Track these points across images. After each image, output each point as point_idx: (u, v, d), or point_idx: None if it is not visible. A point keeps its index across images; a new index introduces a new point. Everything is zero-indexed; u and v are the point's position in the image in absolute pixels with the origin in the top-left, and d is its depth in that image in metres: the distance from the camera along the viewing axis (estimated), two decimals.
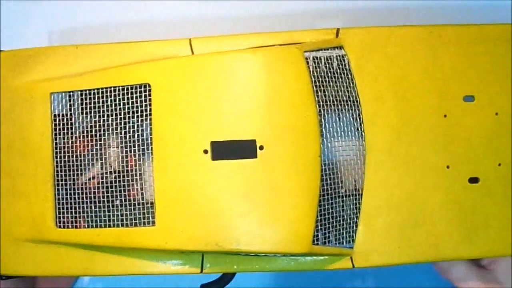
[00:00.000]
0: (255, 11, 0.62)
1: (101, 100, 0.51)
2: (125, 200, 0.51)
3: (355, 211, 0.51)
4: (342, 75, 0.51)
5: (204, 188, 0.48)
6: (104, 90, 0.51)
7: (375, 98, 0.51)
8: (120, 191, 0.50)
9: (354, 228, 0.51)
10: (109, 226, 0.50)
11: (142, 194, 0.50)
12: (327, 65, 0.51)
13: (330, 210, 0.50)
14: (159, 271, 0.52)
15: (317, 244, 0.49)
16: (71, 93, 0.52)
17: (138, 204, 0.50)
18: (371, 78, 0.51)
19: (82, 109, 0.52)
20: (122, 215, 0.50)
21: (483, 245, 0.51)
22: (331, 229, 0.50)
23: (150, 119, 0.49)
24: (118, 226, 0.50)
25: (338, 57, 0.51)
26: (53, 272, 0.53)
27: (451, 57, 0.52)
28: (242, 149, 0.48)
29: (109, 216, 0.50)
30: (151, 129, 0.49)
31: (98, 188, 0.51)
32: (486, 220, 0.51)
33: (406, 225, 0.51)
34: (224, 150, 0.48)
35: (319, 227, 0.49)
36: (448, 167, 0.51)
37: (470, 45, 0.52)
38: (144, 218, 0.50)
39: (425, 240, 0.51)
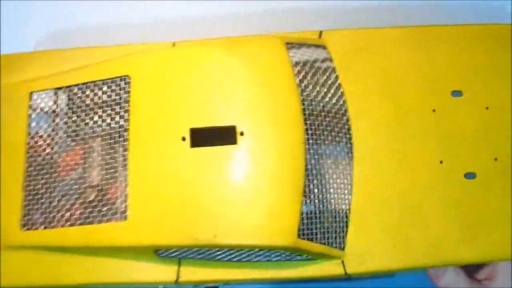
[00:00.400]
0: (242, 13, 0.63)
1: (82, 96, 0.50)
2: (97, 196, 0.47)
3: (344, 211, 0.47)
4: (326, 74, 0.50)
5: (181, 177, 0.45)
6: (85, 85, 0.50)
7: (360, 95, 0.50)
8: (92, 186, 0.47)
9: (345, 229, 0.47)
10: (78, 224, 0.47)
11: (115, 187, 0.47)
12: (311, 65, 0.50)
13: (317, 205, 0.46)
14: (132, 279, 0.48)
15: (304, 239, 0.45)
16: (53, 91, 0.51)
17: (110, 198, 0.47)
18: (355, 77, 0.51)
19: (61, 107, 0.51)
20: (91, 211, 0.46)
21: (485, 246, 0.47)
22: (318, 224, 0.46)
23: (128, 110, 0.48)
24: (87, 223, 0.46)
25: (322, 58, 0.51)
26: (18, 283, 0.48)
27: (436, 55, 0.52)
28: (222, 136, 0.46)
29: (79, 213, 0.47)
30: (128, 120, 0.48)
31: (68, 184, 0.48)
32: (487, 218, 0.47)
33: (401, 225, 0.47)
34: (203, 137, 0.46)
35: (305, 221, 0.45)
36: (441, 162, 0.48)
37: (455, 44, 0.52)
38: (115, 212, 0.46)
39: (424, 241, 0.47)
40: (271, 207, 0.44)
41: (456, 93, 0.51)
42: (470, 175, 0.48)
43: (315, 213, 0.46)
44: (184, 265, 0.48)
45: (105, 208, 0.46)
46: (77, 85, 0.50)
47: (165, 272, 0.48)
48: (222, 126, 0.46)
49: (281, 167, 0.45)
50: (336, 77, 0.50)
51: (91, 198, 0.47)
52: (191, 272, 0.48)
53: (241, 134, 0.46)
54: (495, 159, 0.49)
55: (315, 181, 0.47)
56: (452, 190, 0.48)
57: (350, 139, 0.49)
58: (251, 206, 0.44)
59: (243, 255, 0.46)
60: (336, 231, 0.47)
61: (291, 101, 0.47)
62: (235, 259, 0.47)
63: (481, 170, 0.48)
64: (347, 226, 0.47)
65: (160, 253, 0.47)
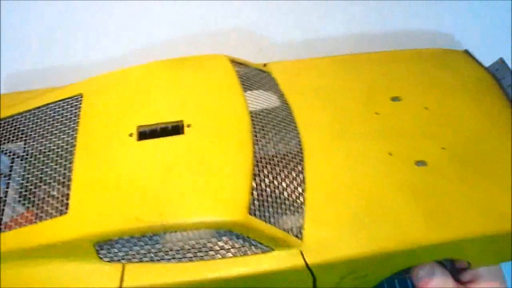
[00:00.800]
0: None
1: (32, 121, 0.51)
2: (34, 196, 0.45)
3: (299, 202, 0.46)
4: (269, 84, 0.54)
5: (127, 167, 0.44)
6: (36, 110, 0.51)
7: (304, 107, 0.52)
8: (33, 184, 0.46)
9: (301, 219, 0.45)
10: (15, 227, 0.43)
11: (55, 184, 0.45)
12: (255, 77, 0.54)
13: (270, 193, 0.45)
14: (72, 286, 0.42)
15: (257, 217, 0.42)
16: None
17: (50, 195, 0.45)
18: (298, 95, 0.54)
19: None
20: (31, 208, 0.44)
21: (450, 226, 0.45)
22: (272, 209, 0.44)
23: (79, 120, 0.49)
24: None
25: (266, 76, 0.55)
26: None
27: (368, 74, 0.56)
28: (169, 129, 0.47)
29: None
30: (77, 128, 0.48)
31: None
32: (447, 200, 0.46)
33: (359, 213, 0.45)
34: (151, 132, 0.47)
35: (258, 204, 0.43)
36: (390, 154, 0.49)
37: (388, 64, 0.57)
38: (55, 208, 0.43)
39: (385, 226, 0.45)
40: (220, 184, 0.43)
41: (395, 99, 0.53)
42: (421, 163, 0.48)
43: (269, 200, 0.44)
44: (128, 269, 0.43)
45: (46, 206, 0.44)
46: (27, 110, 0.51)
47: (107, 277, 0.43)
48: (169, 121, 0.47)
49: (229, 150, 0.45)
50: (280, 90, 0.53)
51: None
52: (136, 277, 0.43)
53: (188, 126, 0.46)
54: (443, 148, 0.49)
55: (265, 171, 0.46)
56: (406, 177, 0.47)
57: (298, 137, 0.49)
58: (199, 184, 0.43)
59: (194, 251, 0.43)
60: (292, 220, 0.45)
61: (235, 95, 0.49)
62: (185, 259, 0.43)
63: (431, 158, 0.49)
64: (303, 217, 0.45)
65: (102, 253, 0.43)
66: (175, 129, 0.47)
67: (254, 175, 0.44)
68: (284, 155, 0.48)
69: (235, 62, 0.53)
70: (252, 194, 0.43)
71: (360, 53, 0.58)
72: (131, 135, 0.46)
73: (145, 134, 0.47)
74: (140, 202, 0.42)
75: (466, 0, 0.65)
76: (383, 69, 0.56)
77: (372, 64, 0.57)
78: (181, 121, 0.47)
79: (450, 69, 0.57)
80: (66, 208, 0.43)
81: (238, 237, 0.43)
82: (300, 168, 0.48)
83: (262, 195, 0.44)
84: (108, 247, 0.42)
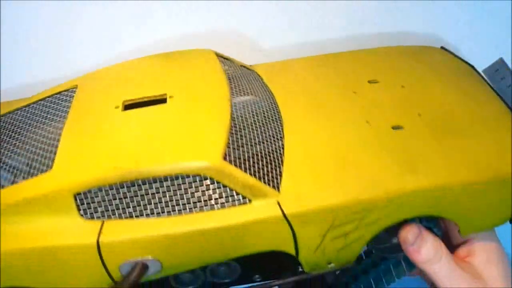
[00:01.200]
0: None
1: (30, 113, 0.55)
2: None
3: (277, 160, 0.47)
4: (252, 76, 0.57)
5: (109, 130, 0.47)
6: (34, 103, 0.55)
7: (286, 92, 0.55)
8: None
9: (278, 172, 0.46)
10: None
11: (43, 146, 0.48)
12: (239, 69, 0.57)
13: (247, 146, 0.46)
14: (50, 243, 0.43)
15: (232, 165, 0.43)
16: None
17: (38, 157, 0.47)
18: (281, 84, 0.56)
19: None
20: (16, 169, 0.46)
21: (427, 174, 0.45)
22: (248, 159, 0.45)
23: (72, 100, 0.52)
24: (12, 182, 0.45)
25: (248, 70, 0.58)
26: None
27: (349, 65, 0.59)
28: (153, 101, 0.49)
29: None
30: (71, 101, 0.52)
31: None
32: (422, 154, 0.47)
33: (335, 168, 0.46)
34: (136, 105, 0.49)
35: (236, 153, 0.45)
36: (368, 122, 0.50)
37: (366, 57, 0.60)
38: (40, 165, 0.45)
39: (361, 179, 0.45)
40: (197, 136, 0.45)
41: (373, 81, 0.56)
42: (397, 127, 0.50)
43: (245, 154, 0.45)
44: (107, 225, 0.44)
45: (33, 167, 0.46)
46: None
47: (86, 232, 0.43)
48: (153, 95, 0.50)
49: (208, 111, 0.47)
50: (263, 80, 0.56)
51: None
52: (114, 232, 0.44)
53: (171, 97, 0.49)
54: (419, 114, 0.51)
55: (243, 130, 0.47)
56: (381, 138, 0.48)
57: (277, 107, 0.52)
58: (176, 137, 0.45)
59: (171, 205, 0.43)
60: (269, 173, 0.45)
61: (218, 77, 0.52)
62: (163, 213, 0.44)
63: (407, 123, 0.50)
64: (281, 172, 0.46)
65: (82, 209, 0.44)
66: (159, 101, 0.50)
67: (232, 132, 0.46)
68: (263, 117, 0.50)
69: (220, 56, 0.57)
70: (229, 147, 0.45)
71: (341, 52, 0.62)
72: (117, 107, 0.49)
73: (131, 106, 0.49)
74: (118, 153, 0.44)
75: (466, 0, 0.66)
76: (361, 61, 0.59)
77: (352, 59, 0.60)
78: (165, 94, 0.50)
79: (426, 58, 0.60)
80: (51, 167, 0.45)
81: (215, 188, 0.43)
82: (279, 129, 0.50)
83: (239, 148, 0.45)
84: (89, 202, 0.44)
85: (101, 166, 0.43)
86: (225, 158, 0.43)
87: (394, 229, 0.48)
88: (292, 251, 0.46)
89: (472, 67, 0.59)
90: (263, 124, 0.49)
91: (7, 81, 0.61)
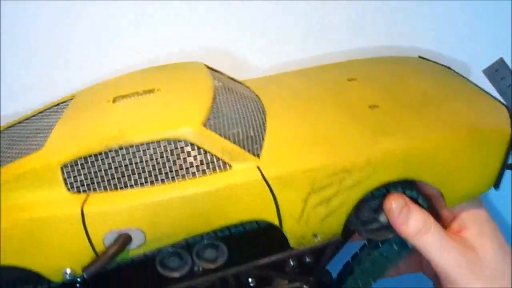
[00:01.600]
0: None
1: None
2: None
3: (257, 134, 0.49)
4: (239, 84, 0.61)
5: (98, 116, 0.50)
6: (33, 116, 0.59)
7: (270, 94, 0.58)
8: None
9: (259, 144, 0.47)
10: None
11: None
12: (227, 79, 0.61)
13: (228, 114, 0.49)
14: (35, 215, 0.44)
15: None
16: None
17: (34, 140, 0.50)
18: (267, 90, 0.60)
19: None
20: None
21: (403, 135, 0.47)
22: (229, 130, 0.47)
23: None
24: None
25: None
26: None
27: (331, 72, 0.62)
28: (141, 93, 0.53)
29: None
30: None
31: None
32: (398, 123, 0.49)
33: (313, 139, 0.48)
34: (126, 97, 0.53)
35: (214, 122, 0.47)
36: (345, 104, 0.53)
37: (348, 65, 0.64)
38: (34, 147, 0.48)
39: (338, 143, 0.47)
40: (179, 108, 0.48)
41: (351, 80, 0.59)
42: (373, 107, 0.51)
43: (227, 123, 0.48)
44: (92, 197, 0.45)
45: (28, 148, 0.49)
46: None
47: (71, 203, 0.45)
48: (142, 90, 0.53)
49: (191, 91, 0.51)
50: (250, 88, 0.60)
51: None
52: (99, 202, 0.45)
53: (158, 90, 0.53)
54: (396, 97, 0.53)
55: (225, 104, 0.50)
56: (359, 114, 0.50)
57: (259, 101, 0.55)
58: (159, 110, 0.48)
59: (154, 173, 0.45)
60: (249, 142, 0.47)
61: (204, 75, 0.55)
62: (147, 184, 0.45)
63: (384, 103, 0.52)
64: (262, 141, 0.48)
65: (69, 182, 0.45)
66: (146, 92, 0.53)
67: (214, 108, 0.48)
68: (245, 101, 0.53)
69: (210, 69, 0.62)
70: (210, 118, 0.47)
71: (326, 64, 0.65)
72: (108, 101, 0.53)
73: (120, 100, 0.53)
74: (104, 129, 0.47)
75: (466, 0, 0.67)
76: (342, 67, 0.63)
77: (334, 67, 0.63)
78: (153, 89, 0.53)
79: (404, 61, 0.63)
80: (43, 146, 0.47)
81: (196, 155, 0.45)
82: (260, 110, 0.53)
83: (219, 120, 0.48)
84: (75, 175, 0.45)
85: (87, 139, 0.46)
86: (205, 125, 0.45)
87: (380, 208, 0.49)
88: (275, 220, 0.46)
89: (452, 70, 0.62)
90: (245, 106, 0.52)
91: (7, 81, 0.63)
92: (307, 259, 0.51)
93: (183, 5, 0.64)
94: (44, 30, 0.62)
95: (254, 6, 0.65)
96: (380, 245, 0.52)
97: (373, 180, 0.46)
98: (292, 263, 0.50)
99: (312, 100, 0.54)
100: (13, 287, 0.47)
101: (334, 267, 0.56)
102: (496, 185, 0.48)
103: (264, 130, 0.49)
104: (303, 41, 0.68)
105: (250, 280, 0.53)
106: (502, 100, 0.54)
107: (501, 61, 0.59)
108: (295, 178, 0.45)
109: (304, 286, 0.53)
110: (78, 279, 0.47)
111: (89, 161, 0.45)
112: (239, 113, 0.50)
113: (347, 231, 0.49)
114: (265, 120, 0.51)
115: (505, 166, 0.47)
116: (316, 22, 0.67)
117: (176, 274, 0.49)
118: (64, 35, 0.62)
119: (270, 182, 0.44)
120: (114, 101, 0.52)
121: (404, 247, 0.51)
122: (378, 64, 0.62)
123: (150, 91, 0.52)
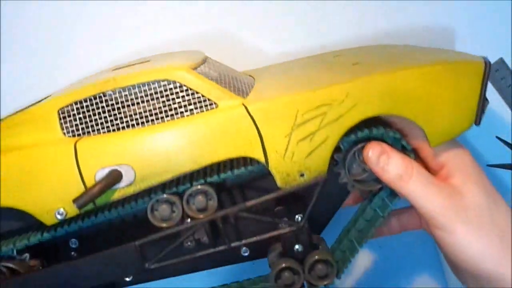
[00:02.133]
0: None
1: None
2: None
3: (244, 84, 0.52)
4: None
5: (99, 75, 0.54)
6: None
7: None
8: None
9: (245, 91, 0.50)
10: None
11: None
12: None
13: (216, 72, 0.52)
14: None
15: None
16: None
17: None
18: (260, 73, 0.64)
19: None
20: None
21: (380, 70, 0.49)
22: (217, 79, 0.50)
23: None
24: None
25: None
26: None
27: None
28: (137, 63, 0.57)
29: None
30: None
31: None
32: (374, 69, 0.51)
33: (296, 83, 0.51)
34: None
35: (203, 68, 0.50)
36: (331, 62, 0.56)
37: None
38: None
39: (319, 82, 0.49)
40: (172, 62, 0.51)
41: (336, 56, 0.62)
42: (355, 64, 0.54)
43: (214, 74, 0.51)
44: (85, 137, 0.48)
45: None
46: None
47: (66, 143, 0.47)
48: (139, 62, 0.57)
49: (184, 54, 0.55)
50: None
51: None
52: (91, 141, 0.47)
53: (154, 60, 0.57)
54: (374, 58, 0.56)
55: (214, 66, 0.54)
56: (343, 70, 0.53)
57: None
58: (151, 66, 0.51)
59: (145, 115, 0.48)
60: (236, 87, 0.50)
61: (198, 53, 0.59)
62: (138, 125, 0.48)
63: (365, 61, 0.55)
64: (248, 92, 0.50)
65: (65, 127, 0.48)
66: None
67: (203, 65, 0.52)
68: (235, 72, 0.56)
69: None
70: (198, 67, 0.50)
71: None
72: (107, 71, 0.56)
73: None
74: (99, 77, 0.50)
75: (466, 0, 0.67)
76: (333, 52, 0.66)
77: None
78: (149, 60, 0.57)
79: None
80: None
81: (184, 95, 0.48)
82: (248, 76, 0.56)
83: (208, 70, 0.51)
84: (71, 119, 0.48)
85: (84, 86, 0.49)
86: (194, 69, 0.49)
87: None
88: (261, 157, 0.47)
89: None
90: (235, 72, 0.55)
91: (7, 81, 0.65)
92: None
93: (183, 5, 0.69)
94: (44, 30, 0.65)
95: (254, 6, 0.68)
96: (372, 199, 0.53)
97: (354, 114, 0.47)
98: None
99: (302, 66, 0.58)
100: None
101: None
102: (477, 121, 0.49)
103: (252, 87, 0.52)
104: (303, 41, 0.70)
105: (243, 250, 0.54)
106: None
107: (501, 61, 0.61)
108: (277, 111, 0.46)
109: (296, 245, 0.52)
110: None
111: (84, 105, 0.48)
112: (229, 74, 0.54)
113: (342, 192, 0.51)
114: (253, 76, 0.54)
115: (482, 99, 0.48)
116: (316, 22, 0.69)
117: (164, 224, 0.49)
118: (64, 35, 0.65)
119: (253, 116, 0.46)
120: (113, 70, 0.56)
121: (392, 196, 0.51)
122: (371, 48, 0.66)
123: (146, 61, 0.56)
